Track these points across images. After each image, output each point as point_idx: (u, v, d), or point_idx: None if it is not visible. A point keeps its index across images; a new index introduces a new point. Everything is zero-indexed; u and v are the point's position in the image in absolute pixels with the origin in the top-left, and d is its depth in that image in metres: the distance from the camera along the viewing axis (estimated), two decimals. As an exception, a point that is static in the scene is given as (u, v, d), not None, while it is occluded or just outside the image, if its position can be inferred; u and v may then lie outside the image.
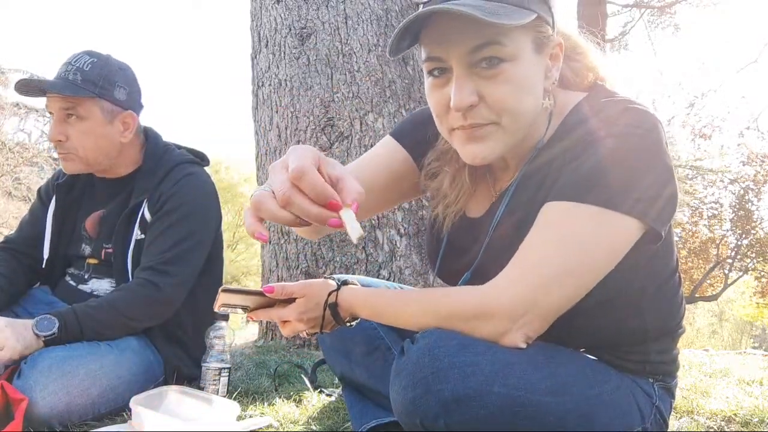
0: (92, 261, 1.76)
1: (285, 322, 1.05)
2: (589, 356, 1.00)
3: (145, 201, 1.69)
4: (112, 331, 1.58)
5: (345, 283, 1.05)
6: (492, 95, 0.88)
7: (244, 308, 1.07)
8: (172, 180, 1.71)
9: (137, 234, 1.68)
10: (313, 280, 1.05)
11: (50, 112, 1.69)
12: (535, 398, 0.84)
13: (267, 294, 1.02)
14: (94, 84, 1.64)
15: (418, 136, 1.13)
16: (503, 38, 0.86)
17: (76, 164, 1.71)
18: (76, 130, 1.66)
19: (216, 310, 1.06)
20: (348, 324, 1.03)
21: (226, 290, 1.03)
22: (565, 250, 0.85)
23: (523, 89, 0.89)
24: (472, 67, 0.88)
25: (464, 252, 1.07)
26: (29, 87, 1.65)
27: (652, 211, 0.86)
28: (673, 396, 1.08)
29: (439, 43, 0.88)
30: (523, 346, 0.87)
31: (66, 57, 1.69)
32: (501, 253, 0.93)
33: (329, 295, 1.01)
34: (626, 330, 1.01)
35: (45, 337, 1.46)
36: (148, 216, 1.69)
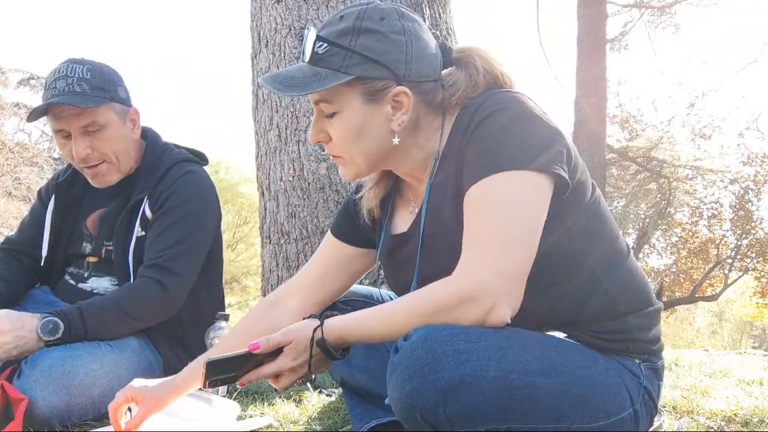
0: (92, 259, 1.76)
1: (277, 376, 1.02)
2: (573, 341, 1.02)
3: (145, 199, 1.69)
4: (116, 332, 1.58)
5: (326, 316, 1.02)
6: (333, 136, 1.09)
7: (233, 378, 1.02)
8: (172, 178, 1.71)
9: (138, 231, 1.68)
10: (294, 324, 1.02)
11: (59, 130, 1.63)
12: (529, 380, 0.88)
13: (254, 351, 0.99)
14: (102, 89, 1.63)
15: (344, 223, 1.31)
16: (329, 97, 1.06)
17: (113, 175, 1.70)
18: (99, 140, 1.64)
19: (203, 388, 1.01)
20: (340, 357, 1.01)
21: (211, 362, 0.98)
22: (502, 217, 0.94)
23: (353, 132, 1.06)
24: (320, 114, 1.09)
25: (402, 266, 1.15)
26: (41, 111, 1.60)
27: (547, 160, 0.96)
28: (660, 378, 1.10)
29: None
30: (509, 319, 0.92)
31: (55, 65, 1.64)
32: (438, 253, 1.05)
33: (314, 331, 0.98)
34: (592, 298, 1.04)
35: (48, 341, 1.46)
36: (149, 214, 1.69)
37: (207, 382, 0.99)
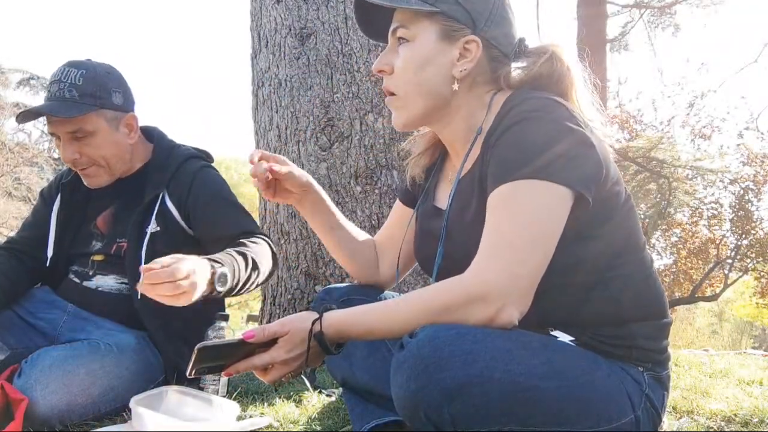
0: (97, 258, 1.76)
1: (265, 369, 1.01)
2: (576, 346, 1.02)
3: (163, 194, 1.71)
4: (247, 286, 1.56)
5: (325, 309, 1.01)
6: (396, 66, 1.13)
7: (220, 367, 0.99)
8: (188, 171, 1.74)
9: (153, 227, 1.69)
10: (292, 315, 1.02)
11: (51, 133, 1.67)
12: (534, 383, 0.88)
13: (248, 340, 0.97)
14: (93, 96, 1.64)
15: (404, 187, 1.38)
16: (409, 23, 1.11)
17: (102, 177, 1.73)
18: (88, 146, 1.67)
19: (188, 374, 0.97)
20: (336, 351, 1.00)
21: (202, 348, 0.95)
22: (520, 223, 0.95)
23: (417, 62, 1.10)
24: (392, 46, 1.14)
25: (430, 237, 1.19)
26: (30, 115, 1.64)
27: (570, 176, 0.96)
28: (665, 388, 1.09)
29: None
30: (517, 322, 0.92)
31: (54, 69, 1.66)
32: (458, 243, 1.08)
33: (313, 324, 0.98)
34: (596, 303, 1.03)
35: (217, 288, 1.40)
36: (171, 206, 1.70)
37: (194, 370, 0.96)
